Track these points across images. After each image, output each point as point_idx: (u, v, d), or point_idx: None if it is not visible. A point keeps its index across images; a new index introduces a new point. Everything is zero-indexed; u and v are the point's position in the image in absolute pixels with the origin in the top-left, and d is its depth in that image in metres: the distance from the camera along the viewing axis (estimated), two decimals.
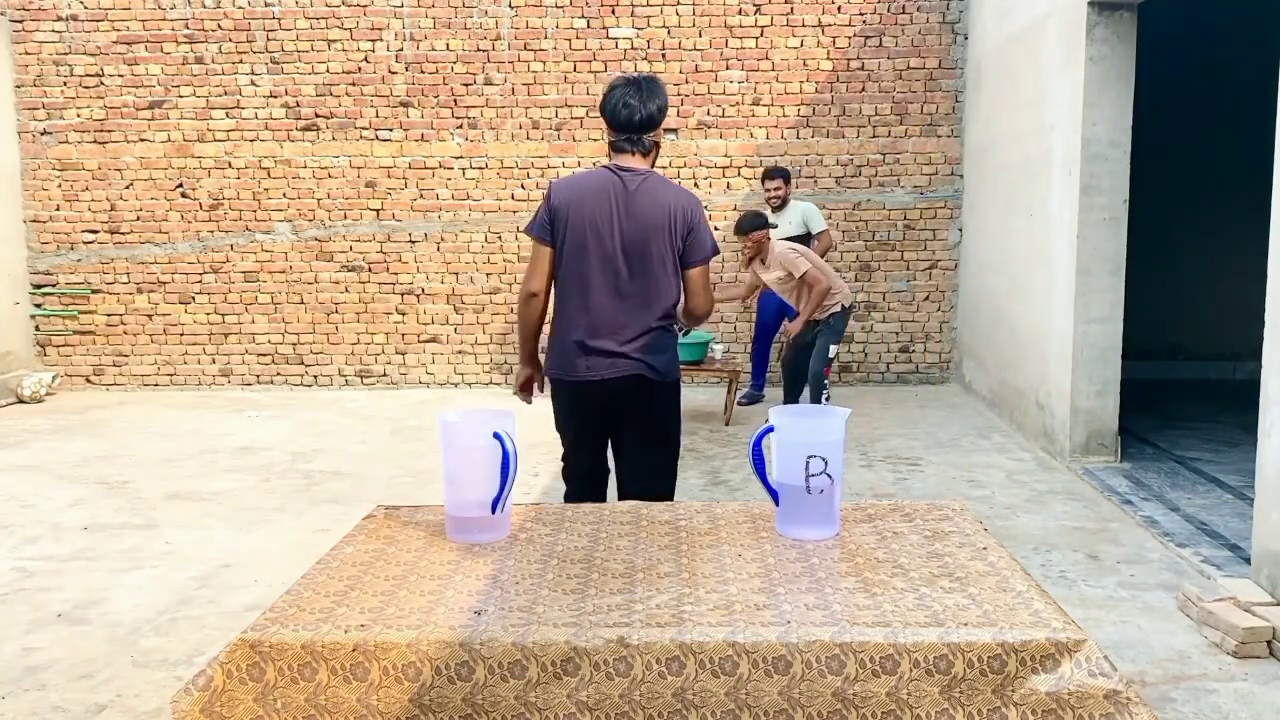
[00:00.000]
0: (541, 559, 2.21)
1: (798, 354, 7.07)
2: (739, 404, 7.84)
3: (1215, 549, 4.66)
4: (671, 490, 3.61)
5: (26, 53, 8.99)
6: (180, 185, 9.09)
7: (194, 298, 9.18)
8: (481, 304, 9.15)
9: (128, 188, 9.09)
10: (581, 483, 3.67)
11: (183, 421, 7.83)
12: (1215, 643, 3.65)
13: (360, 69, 8.95)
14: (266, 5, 8.90)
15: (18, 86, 9.02)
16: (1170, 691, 3.31)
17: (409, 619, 1.89)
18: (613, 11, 8.85)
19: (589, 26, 8.88)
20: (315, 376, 9.24)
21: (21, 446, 7.03)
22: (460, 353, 9.21)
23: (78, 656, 3.63)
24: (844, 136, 8.93)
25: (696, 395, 8.45)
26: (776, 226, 7.57)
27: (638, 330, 3.41)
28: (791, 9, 8.82)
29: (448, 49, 8.93)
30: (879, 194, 8.97)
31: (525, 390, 3.77)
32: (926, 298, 9.08)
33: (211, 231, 9.12)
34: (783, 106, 8.92)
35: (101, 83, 9.00)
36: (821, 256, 7.94)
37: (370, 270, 9.13)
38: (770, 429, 2.33)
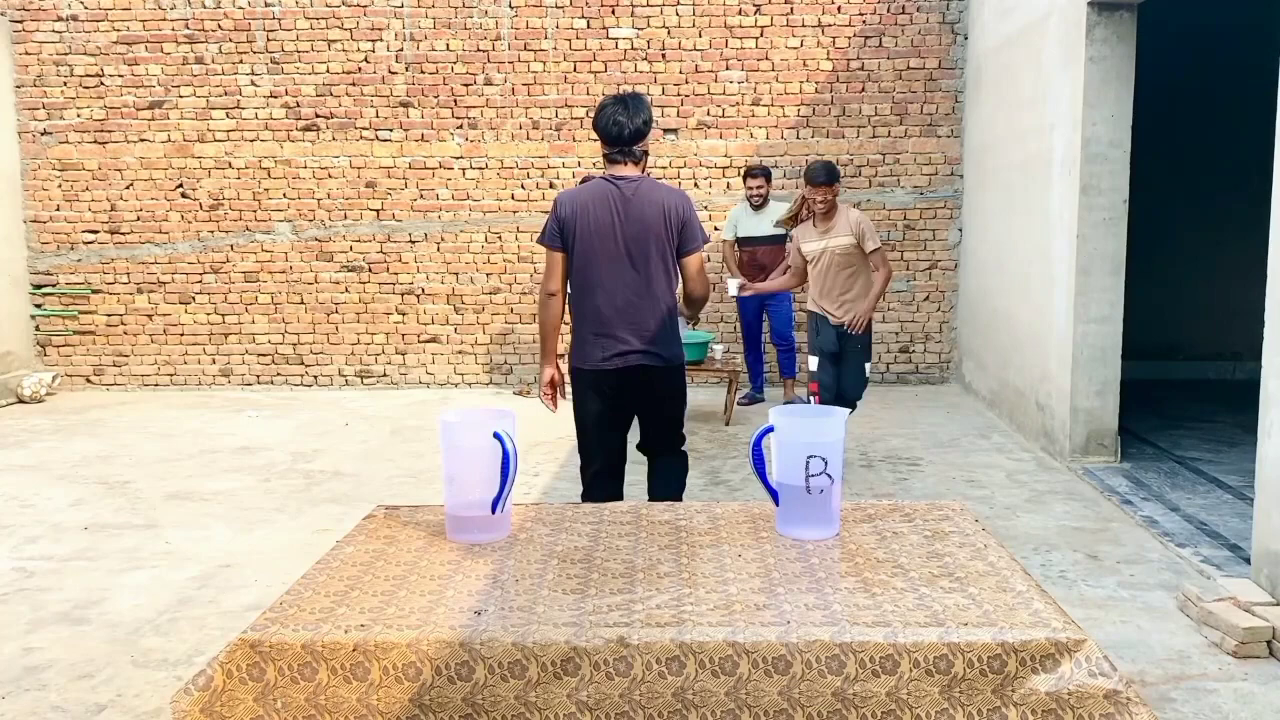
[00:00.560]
0: (541, 559, 2.21)
1: (830, 369, 5.83)
2: (739, 404, 7.86)
3: (1215, 549, 4.66)
4: (681, 440, 4.13)
5: (27, 53, 8.99)
6: (180, 185, 9.09)
7: (194, 298, 9.18)
8: (481, 304, 9.15)
9: (128, 188, 9.09)
10: (600, 476, 3.99)
11: (183, 421, 7.83)
12: (1215, 643, 3.65)
13: (360, 69, 8.95)
14: (266, 5, 8.90)
15: (18, 86, 9.02)
16: (1170, 691, 3.31)
17: (409, 619, 1.89)
18: (613, 11, 8.85)
19: (589, 26, 8.88)
20: (315, 376, 9.24)
21: (21, 446, 7.03)
22: (460, 353, 9.21)
23: (78, 656, 3.63)
24: (844, 136, 8.93)
25: (696, 395, 8.44)
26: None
27: (646, 320, 3.85)
28: (791, 9, 8.82)
29: (448, 49, 8.93)
30: (879, 194, 8.97)
31: (551, 389, 4.04)
32: (926, 298, 9.08)
33: (211, 232, 9.12)
34: (783, 106, 8.92)
35: (102, 83, 9.00)
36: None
37: (370, 270, 9.13)
38: (770, 429, 2.33)
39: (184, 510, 5.49)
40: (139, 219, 9.12)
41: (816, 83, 8.89)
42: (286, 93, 8.98)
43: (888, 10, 8.81)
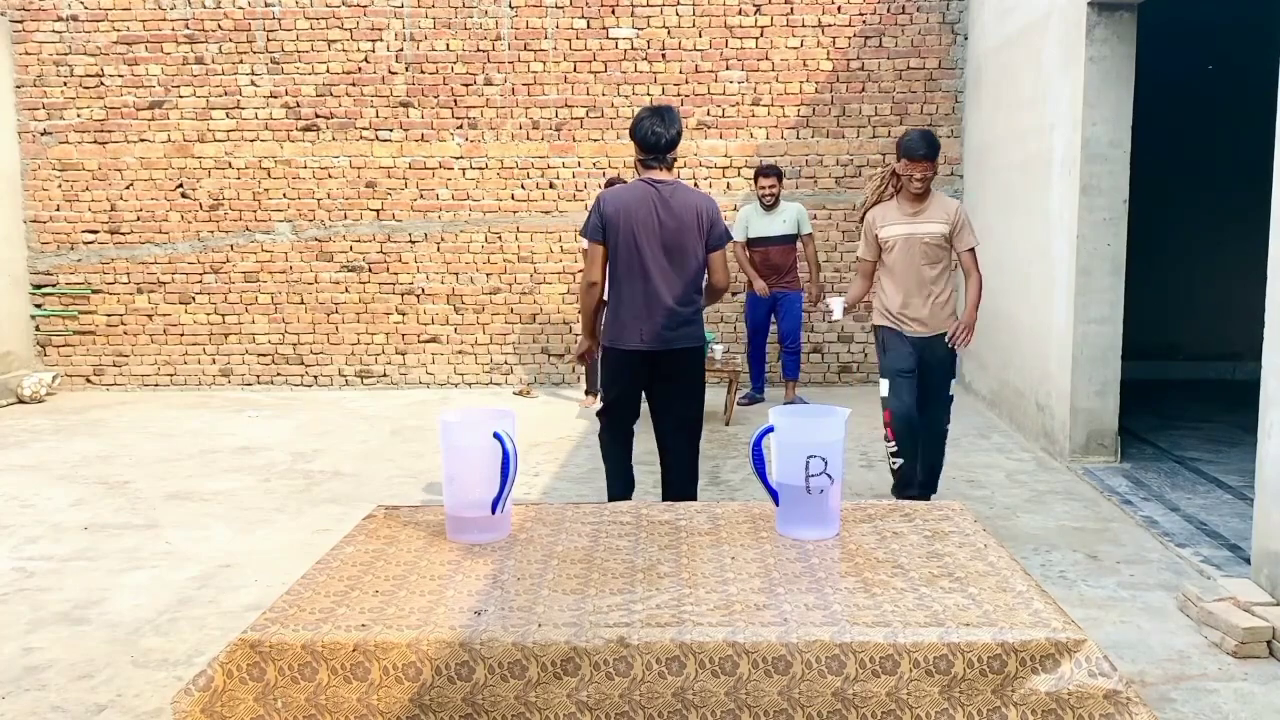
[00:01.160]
0: (541, 559, 2.21)
1: (908, 391, 4.83)
2: (739, 404, 7.85)
3: (1215, 549, 4.66)
4: (699, 440, 4.57)
5: (27, 53, 8.99)
6: (180, 185, 9.09)
7: (194, 298, 9.18)
8: (481, 304, 9.15)
9: (128, 188, 9.09)
10: (615, 426, 4.59)
11: (183, 421, 7.83)
12: (1215, 643, 3.65)
13: (360, 69, 8.95)
14: (266, 5, 8.90)
15: (18, 86, 9.02)
16: (1170, 691, 3.31)
17: (409, 619, 1.89)
18: (613, 11, 8.85)
19: (589, 26, 8.88)
20: (315, 376, 9.24)
21: (21, 446, 7.03)
22: (460, 353, 9.21)
23: (78, 656, 3.63)
24: (844, 136, 8.93)
25: None
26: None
27: (676, 309, 4.36)
28: (791, 9, 8.82)
29: (448, 49, 8.93)
30: None
31: (584, 357, 4.77)
32: None
33: (211, 232, 9.12)
34: (783, 106, 8.92)
35: (102, 83, 9.00)
36: (813, 259, 7.97)
37: (370, 270, 9.13)
38: (770, 429, 2.33)
39: (184, 510, 5.49)
40: (139, 219, 9.12)
41: (816, 83, 8.89)
42: (286, 93, 8.98)
43: (888, 10, 8.81)
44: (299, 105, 8.98)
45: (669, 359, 4.38)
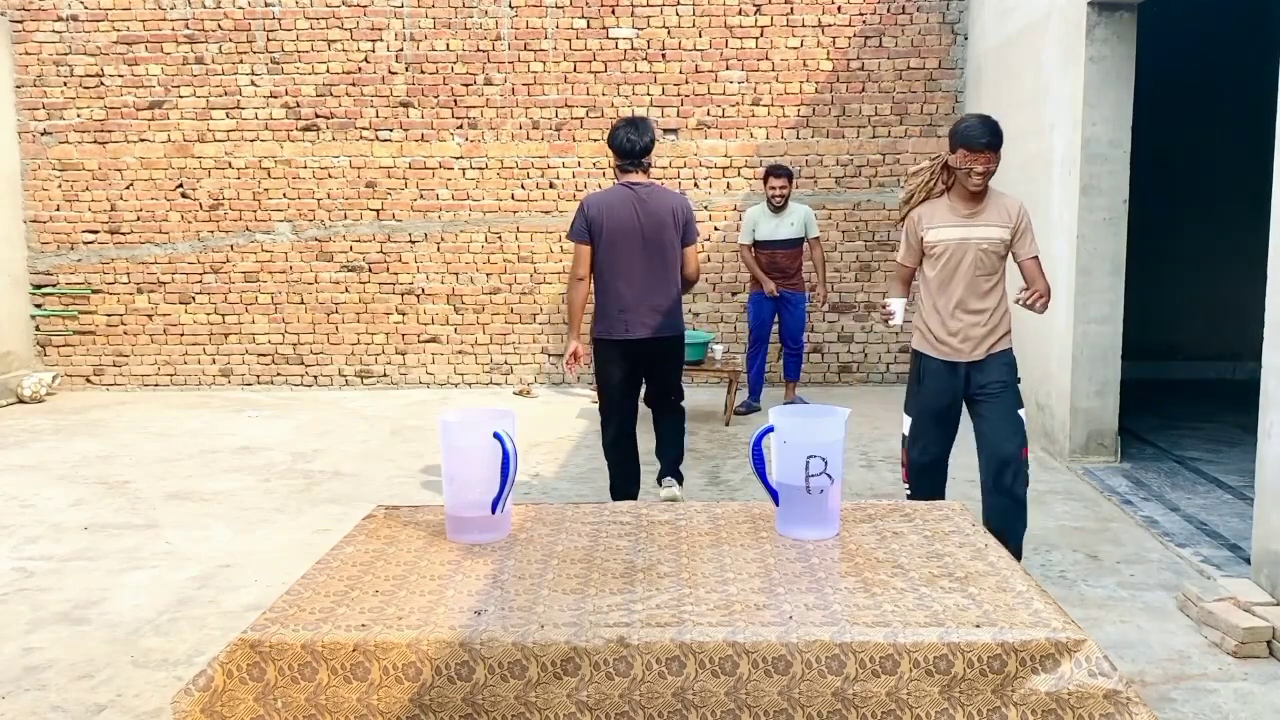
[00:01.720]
0: (541, 559, 2.21)
1: (937, 436, 4.08)
2: (737, 412, 7.78)
3: (1215, 549, 4.66)
4: (681, 394, 5.14)
5: (27, 53, 8.99)
6: (180, 185, 9.09)
7: (194, 298, 9.18)
8: (481, 304, 9.15)
9: (128, 188, 9.09)
10: (618, 435, 4.95)
11: (183, 421, 7.83)
12: (1215, 643, 3.65)
13: (360, 69, 8.95)
14: (266, 5, 8.90)
15: (18, 86, 9.02)
16: (1170, 691, 3.31)
17: (409, 619, 1.89)
18: (613, 11, 8.85)
19: (589, 26, 8.88)
20: (315, 376, 9.24)
21: (21, 446, 7.03)
22: (460, 353, 9.21)
23: (78, 656, 3.63)
24: (844, 136, 8.93)
25: (697, 395, 8.44)
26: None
27: (659, 301, 4.78)
28: (791, 9, 8.82)
29: (448, 49, 8.93)
30: (879, 194, 8.97)
31: (574, 360, 4.97)
32: None
33: (211, 232, 9.12)
34: (783, 106, 8.92)
35: (101, 83, 9.00)
36: (821, 263, 7.93)
37: (370, 270, 9.13)
38: (770, 429, 2.33)
39: (184, 510, 5.49)
40: (139, 219, 9.12)
41: (816, 83, 8.89)
42: (286, 93, 8.98)
43: (888, 10, 8.81)
44: (299, 105, 8.98)
45: (653, 346, 4.83)
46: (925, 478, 4.10)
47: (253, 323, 9.19)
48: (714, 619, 1.87)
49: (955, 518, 2.50)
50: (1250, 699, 3.27)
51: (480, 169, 9.02)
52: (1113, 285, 6.13)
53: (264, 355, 9.22)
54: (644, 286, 4.74)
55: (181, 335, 9.22)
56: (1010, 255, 4.02)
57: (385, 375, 9.23)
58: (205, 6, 8.91)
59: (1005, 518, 3.97)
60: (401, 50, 8.92)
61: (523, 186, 9.02)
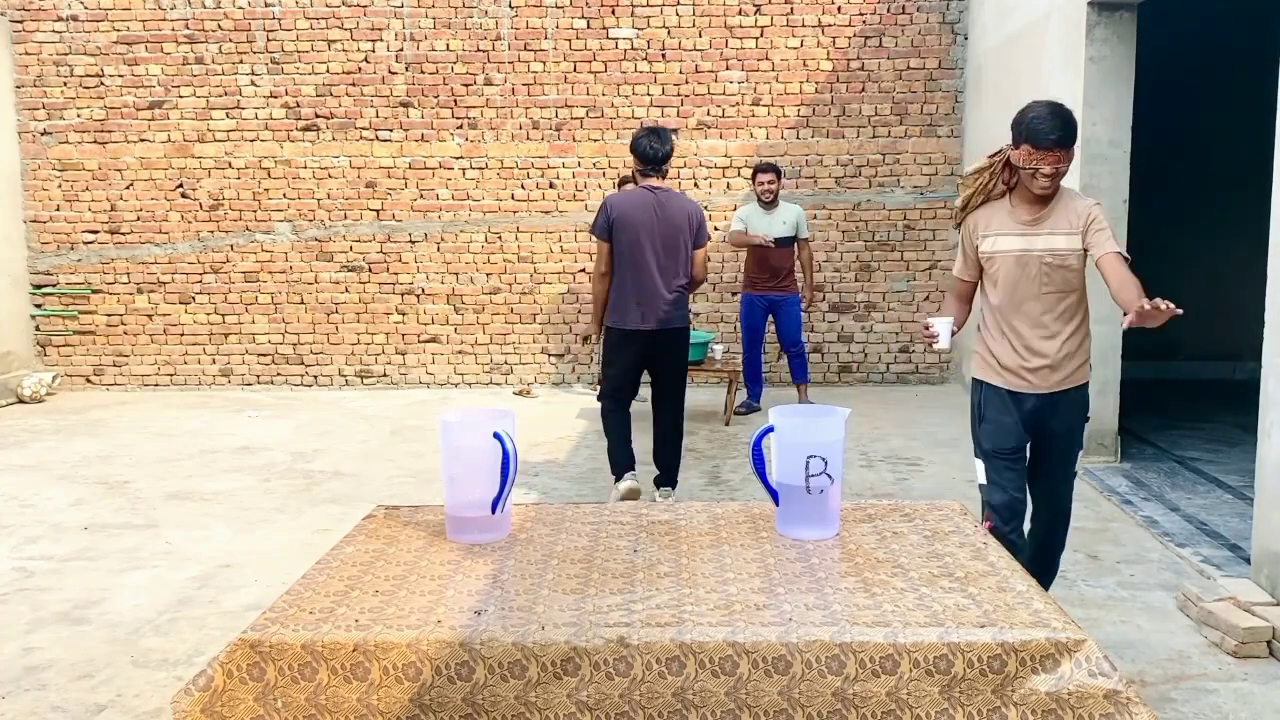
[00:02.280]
0: (541, 559, 2.21)
1: (1015, 478, 3.46)
2: (737, 412, 7.77)
3: (1215, 549, 4.66)
4: (684, 393, 5.49)
5: (27, 53, 8.99)
6: (180, 185, 9.09)
7: (194, 298, 9.18)
8: (481, 304, 9.15)
9: (128, 188, 9.09)
10: (617, 397, 5.33)
11: (183, 421, 7.83)
12: (1215, 643, 3.65)
13: (360, 69, 8.95)
14: (266, 5, 8.90)
15: (18, 86, 9.02)
16: (1170, 691, 3.31)
17: (409, 619, 1.89)
18: (613, 11, 8.85)
19: (589, 26, 8.88)
20: (315, 376, 9.24)
21: (21, 446, 7.03)
22: (460, 353, 9.21)
23: (78, 656, 3.63)
24: (844, 136, 8.93)
25: (697, 395, 8.44)
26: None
27: (670, 295, 5.20)
28: (791, 9, 8.82)
29: (448, 49, 8.93)
30: (879, 194, 8.97)
31: (589, 338, 5.57)
32: (926, 298, 9.08)
33: (211, 232, 9.12)
34: (783, 106, 8.92)
35: (101, 83, 9.00)
36: (809, 264, 7.90)
37: (370, 270, 9.13)
38: (770, 429, 2.33)
39: (184, 510, 5.49)
40: (139, 219, 9.12)
41: (816, 83, 8.89)
42: (286, 93, 8.98)
43: (888, 10, 8.81)
44: (299, 105, 8.98)
45: (663, 336, 5.24)
46: (1013, 523, 3.44)
47: (253, 323, 9.19)
48: (714, 619, 1.87)
49: (955, 518, 2.50)
50: (1250, 699, 3.27)
51: (480, 169, 9.02)
52: None
53: (264, 355, 9.22)
54: (658, 282, 5.15)
55: (181, 335, 9.22)
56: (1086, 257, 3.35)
57: (385, 375, 9.23)
58: (205, 6, 8.91)
59: (1046, 528, 3.61)
60: (401, 50, 8.93)
61: (523, 186, 9.02)
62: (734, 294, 8.96)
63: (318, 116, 8.99)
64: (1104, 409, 6.20)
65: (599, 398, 5.49)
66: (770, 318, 7.84)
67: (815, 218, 8.27)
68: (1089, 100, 6.01)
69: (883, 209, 8.97)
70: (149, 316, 9.20)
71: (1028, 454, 3.50)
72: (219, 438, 7.25)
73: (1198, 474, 6.03)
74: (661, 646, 1.79)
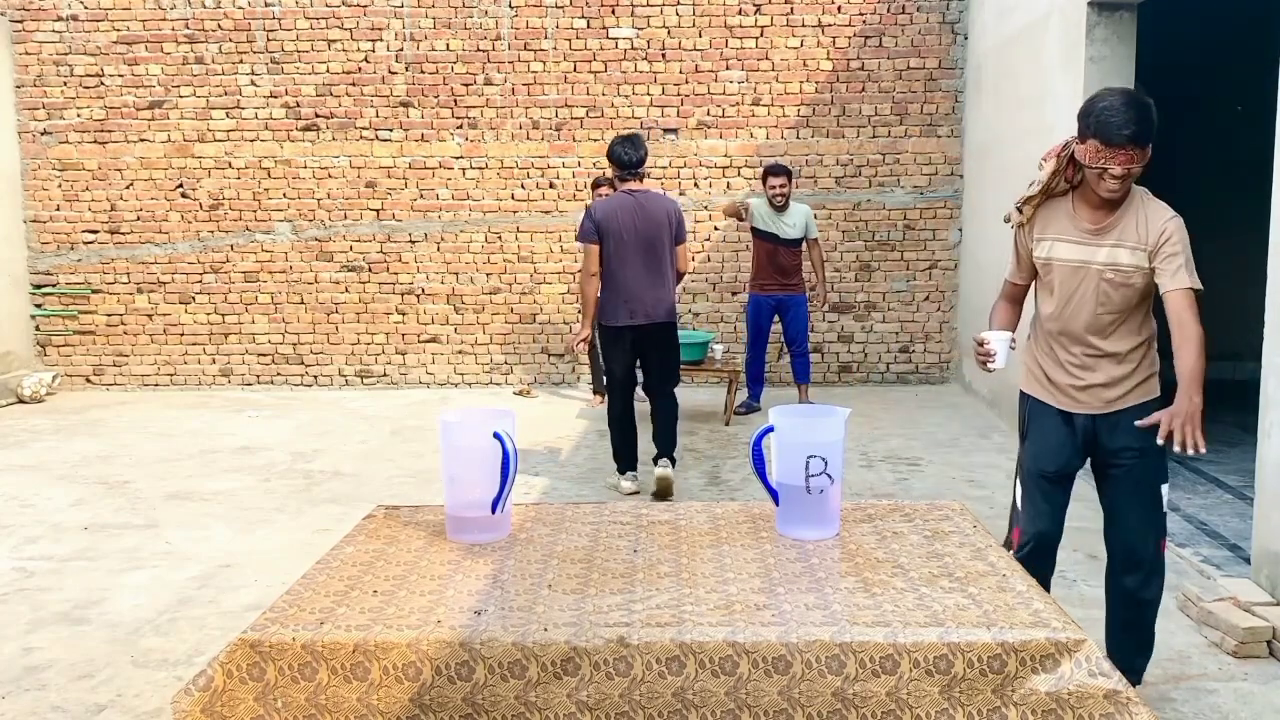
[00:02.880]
0: (541, 559, 2.21)
1: (1048, 504, 3.10)
2: (737, 412, 7.77)
3: (1215, 549, 4.66)
4: (675, 381, 5.77)
5: (26, 53, 8.99)
6: (180, 185, 9.09)
7: (194, 298, 9.18)
8: (481, 304, 9.15)
9: (128, 188, 9.09)
10: (619, 386, 5.64)
11: (183, 421, 7.83)
12: (1215, 643, 3.65)
13: (360, 69, 8.95)
14: (266, 5, 8.90)
15: (18, 86, 9.02)
16: (1170, 691, 3.31)
17: (409, 619, 1.89)
18: (613, 11, 8.85)
19: (589, 26, 8.88)
20: (315, 376, 9.24)
21: (21, 446, 7.03)
22: (460, 353, 9.21)
23: (78, 656, 3.63)
24: (844, 136, 8.93)
25: (697, 395, 8.45)
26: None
27: (657, 292, 5.49)
28: (791, 9, 8.82)
29: (448, 49, 8.93)
30: (879, 194, 8.97)
31: (582, 342, 5.79)
32: (926, 298, 9.08)
33: (211, 231, 9.12)
34: (783, 106, 8.92)
35: (101, 83, 9.00)
36: (819, 264, 7.91)
37: (370, 270, 9.13)
38: (770, 429, 2.33)
39: (184, 510, 5.49)
40: (139, 219, 9.12)
41: (816, 83, 8.89)
42: (286, 93, 8.98)
43: (888, 10, 8.81)
44: (299, 105, 8.97)
45: (652, 330, 5.52)
46: (1041, 553, 3.09)
47: (253, 323, 9.19)
48: (714, 619, 1.87)
49: (955, 518, 2.50)
50: (1250, 699, 3.27)
51: (480, 169, 9.02)
52: None
53: (264, 355, 9.22)
54: (644, 280, 5.44)
55: (181, 335, 9.22)
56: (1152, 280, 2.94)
57: (385, 375, 9.23)
58: (205, 6, 8.91)
59: (1125, 637, 3.11)
60: (401, 50, 8.93)
61: (523, 186, 9.02)
62: (734, 294, 8.97)
63: (318, 116, 8.99)
64: None
65: (604, 390, 5.87)
66: (777, 317, 7.83)
67: (815, 217, 8.23)
68: None
69: (883, 209, 8.97)
70: (149, 316, 9.20)
71: (1073, 484, 3.10)
72: (219, 438, 7.25)
73: (1198, 474, 6.03)
74: (661, 646, 1.79)
